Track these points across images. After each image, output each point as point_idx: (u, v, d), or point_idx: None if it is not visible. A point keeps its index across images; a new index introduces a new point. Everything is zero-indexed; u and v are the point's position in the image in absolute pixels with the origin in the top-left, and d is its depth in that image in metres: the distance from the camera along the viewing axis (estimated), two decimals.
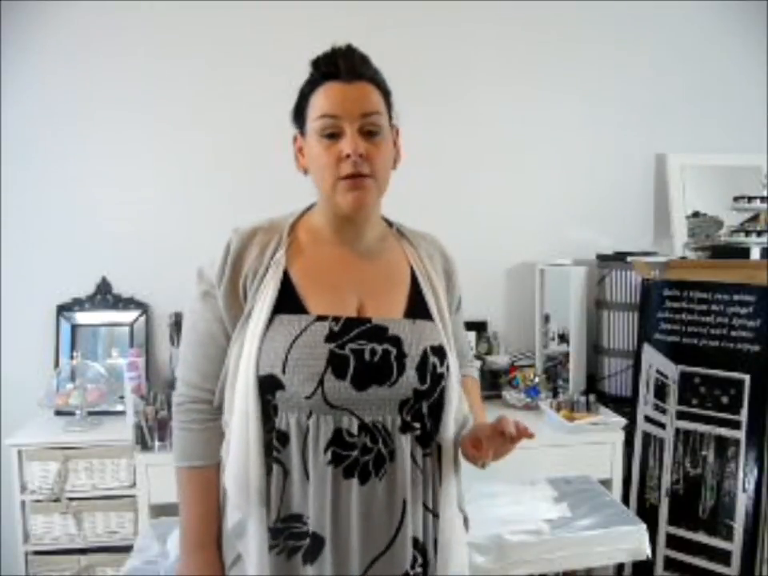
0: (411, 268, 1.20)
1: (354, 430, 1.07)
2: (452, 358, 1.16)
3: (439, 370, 1.12)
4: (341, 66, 1.08)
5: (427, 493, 1.13)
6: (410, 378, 1.09)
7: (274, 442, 1.08)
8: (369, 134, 1.08)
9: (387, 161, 1.13)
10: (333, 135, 1.08)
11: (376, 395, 1.07)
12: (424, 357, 1.10)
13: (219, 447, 1.13)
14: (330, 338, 1.07)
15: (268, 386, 1.07)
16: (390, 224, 1.25)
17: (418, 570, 1.11)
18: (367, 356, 1.07)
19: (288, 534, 1.08)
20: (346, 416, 1.06)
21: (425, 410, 1.13)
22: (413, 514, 1.10)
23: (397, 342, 1.09)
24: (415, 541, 1.10)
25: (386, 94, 1.14)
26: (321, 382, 1.05)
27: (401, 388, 1.08)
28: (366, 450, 1.07)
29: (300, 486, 1.07)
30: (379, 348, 1.08)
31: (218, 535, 1.15)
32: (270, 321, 1.08)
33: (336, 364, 1.06)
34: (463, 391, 1.24)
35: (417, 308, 1.16)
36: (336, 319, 1.08)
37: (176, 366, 1.23)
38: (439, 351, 1.13)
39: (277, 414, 1.08)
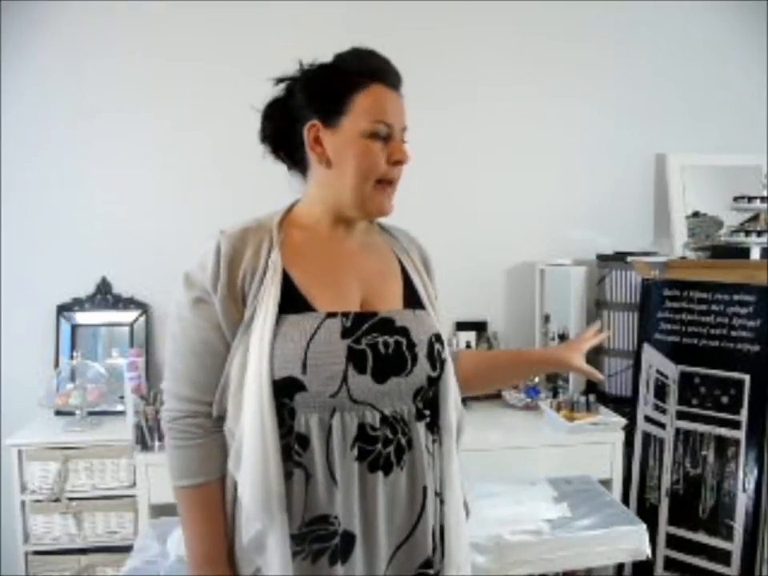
0: (399, 260, 1.22)
1: (377, 423, 1.07)
2: (447, 344, 1.21)
3: (443, 356, 1.16)
4: (390, 71, 1.12)
5: (436, 478, 1.15)
6: (423, 366, 1.11)
7: (293, 445, 1.05)
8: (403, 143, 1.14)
9: None
10: (384, 138, 1.10)
11: (395, 386, 1.08)
12: (430, 344, 1.13)
13: (220, 460, 1.10)
14: (345, 333, 1.07)
15: (286, 389, 1.05)
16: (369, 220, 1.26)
17: (436, 555, 1.13)
18: (382, 349, 1.08)
19: (313, 538, 1.06)
20: (368, 410, 1.07)
21: (431, 397, 1.16)
22: (431, 499, 1.12)
23: (405, 332, 1.11)
24: (433, 527, 1.13)
25: None
26: (345, 379, 1.05)
27: (416, 377, 1.11)
28: (387, 441, 1.08)
29: (325, 486, 1.05)
30: (391, 340, 1.09)
31: (228, 550, 1.11)
32: (277, 323, 1.06)
33: (355, 359, 1.06)
34: (469, 361, 1.33)
35: (412, 298, 1.19)
36: (345, 315, 1.08)
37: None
38: (440, 338, 1.17)
39: (293, 416, 1.06)
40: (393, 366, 1.09)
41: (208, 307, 1.08)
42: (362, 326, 1.08)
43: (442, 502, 1.15)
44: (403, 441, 1.09)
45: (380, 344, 1.08)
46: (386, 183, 1.12)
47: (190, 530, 1.11)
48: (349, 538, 1.05)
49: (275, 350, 1.04)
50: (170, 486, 1.12)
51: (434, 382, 1.14)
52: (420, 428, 1.12)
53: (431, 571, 1.12)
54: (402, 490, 1.09)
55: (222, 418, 1.09)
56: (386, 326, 1.10)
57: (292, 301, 1.08)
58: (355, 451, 1.05)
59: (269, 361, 1.04)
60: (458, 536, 1.16)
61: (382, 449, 1.07)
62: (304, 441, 1.06)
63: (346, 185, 1.11)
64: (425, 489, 1.10)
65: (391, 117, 1.10)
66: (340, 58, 1.13)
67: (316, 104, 1.12)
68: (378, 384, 1.07)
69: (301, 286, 1.10)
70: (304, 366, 1.04)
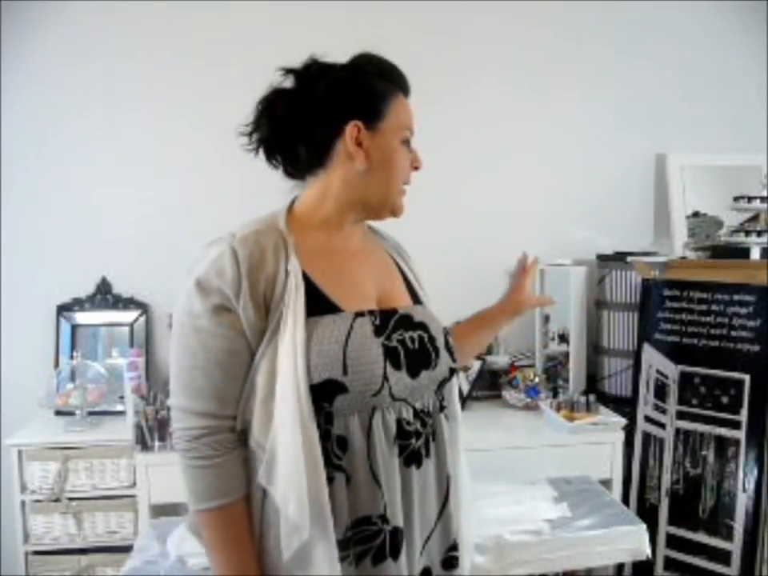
0: (393, 259, 1.25)
1: (411, 418, 1.09)
2: None
3: (453, 347, 1.19)
4: (407, 82, 1.16)
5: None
6: (446, 358, 1.15)
7: (333, 449, 1.03)
8: None
9: None
10: (408, 145, 1.16)
11: (425, 380, 1.11)
12: (445, 337, 1.17)
13: (245, 476, 1.05)
14: (377, 332, 1.07)
15: (325, 392, 1.02)
16: None
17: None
18: (409, 344, 1.10)
19: (356, 540, 1.04)
20: (403, 406, 1.08)
21: (446, 388, 1.19)
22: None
23: (424, 327, 1.14)
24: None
25: None
26: (385, 377, 1.05)
27: (440, 369, 1.14)
28: (419, 434, 1.10)
29: (367, 486, 1.04)
30: (415, 335, 1.12)
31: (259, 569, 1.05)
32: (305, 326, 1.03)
33: (391, 356, 1.07)
34: (457, 329, 1.37)
35: (414, 295, 1.22)
36: (372, 313, 1.09)
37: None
38: (447, 331, 1.20)
39: (330, 420, 1.03)
40: (422, 361, 1.11)
41: (230, 314, 1.02)
42: (388, 323, 1.10)
43: (448, 486, 1.17)
44: (429, 433, 1.12)
45: (407, 340, 1.10)
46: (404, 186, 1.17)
47: (220, 555, 1.04)
48: (399, 535, 1.06)
49: (310, 353, 1.01)
50: (194, 511, 1.05)
51: (453, 373, 1.18)
52: (442, 418, 1.16)
53: (457, 553, 1.17)
54: (431, 480, 1.12)
55: (244, 432, 1.05)
56: (407, 322, 1.13)
57: (316, 302, 1.06)
58: (396, 448, 1.07)
59: (305, 365, 1.00)
60: (468, 520, 1.21)
61: (414, 442, 1.09)
62: (343, 443, 1.04)
63: (381, 186, 1.13)
64: (448, 477, 1.15)
65: (413, 125, 1.16)
66: (366, 63, 1.13)
67: (357, 105, 1.10)
68: (412, 379, 1.09)
69: (323, 287, 1.08)
70: (344, 367, 1.02)
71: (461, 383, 2.36)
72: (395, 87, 1.14)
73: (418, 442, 1.09)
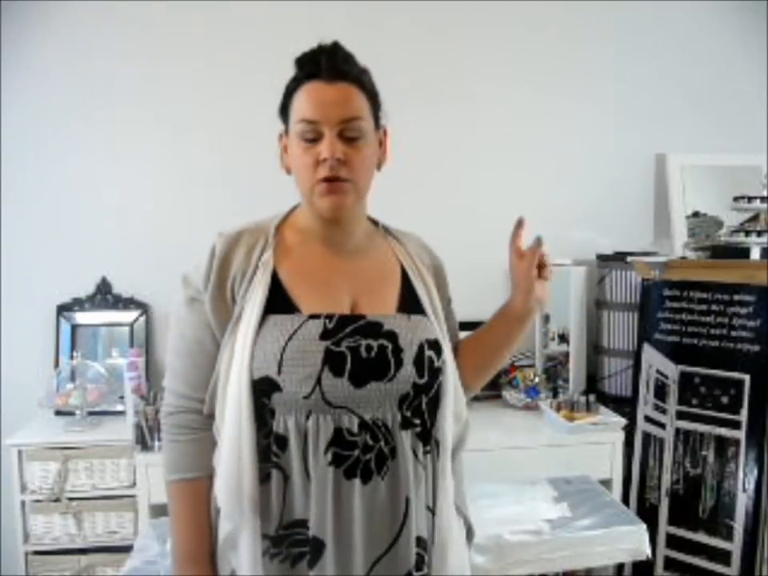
0: (401, 265, 1.20)
1: (355, 428, 1.05)
2: (448, 353, 1.16)
3: (436, 364, 1.12)
4: (323, 64, 1.07)
5: (428, 491, 1.12)
6: (408, 372, 1.08)
7: (272, 446, 1.06)
8: (349, 137, 1.07)
9: (368, 164, 1.11)
10: (312, 138, 1.07)
11: (375, 391, 1.06)
12: (420, 351, 1.10)
13: (211, 457, 1.10)
14: (325, 335, 1.06)
15: (263, 389, 1.05)
16: (375, 223, 1.25)
17: (426, 570, 1.10)
18: (363, 352, 1.06)
19: (291, 542, 1.05)
20: (345, 414, 1.05)
21: (423, 406, 1.12)
22: (416, 511, 1.08)
23: (392, 337, 1.09)
24: (418, 540, 1.09)
25: (371, 95, 1.12)
26: (318, 381, 1.04)
27: (399, 383, 1.07)
28: (368, 448, 1.05)
29: (302, 490, 1.04)
30: (375, 344, 1.07)
31: (211, 548, 1.11)
32: (262, 323, 1.06)
33: (333, 362, 1.05)
34: (467, 353, 1.26)
35: (409, 303, 1.16)
36: (329, 317, 1.07)
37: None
38: (435, 345, 1.13)
39: (273, 417, 1.06)
40: (373, 371, 1.06)
41: (200, 306, 1.10)
42: (344, 328, 1.07)
43: (434, 514, 1.12)
44: (386, 449, 1.06)
45: (362, 347, 1.06)
46: (330, 181, 1.07)
47: (176, 526, 1.13)
48: (318, 544, 1.03)
49: (256, 349, 1.05)
50: (165, 482, 1.14)
51: (423, 390, 1.10)
52: (406, 437, 1.08)
53: None
54: (381, 499, 1.06)
55: (212, 416, 1.11)
56: (372, 329, 1.09)
57: (279, 302, 1.09)
58: (329, 456, 1.04)
59: (249, 360, 1.05)
60: (448, 555, 1.12)
61: (360, 455, 1.05)
62: (282, 442, 1.05)
63: (300, 187, 1.12)
64: (407, 499, 1.07)
65: (315, 112, 1.06)
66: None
67: (280, 113, 1.15)
68: (356, 388, 1.05)
69: (288, 287, 1.10)
70: (279, 366, 1.04)
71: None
72: (302, 79, 1.08)
73: (366, 456, 1.05)
